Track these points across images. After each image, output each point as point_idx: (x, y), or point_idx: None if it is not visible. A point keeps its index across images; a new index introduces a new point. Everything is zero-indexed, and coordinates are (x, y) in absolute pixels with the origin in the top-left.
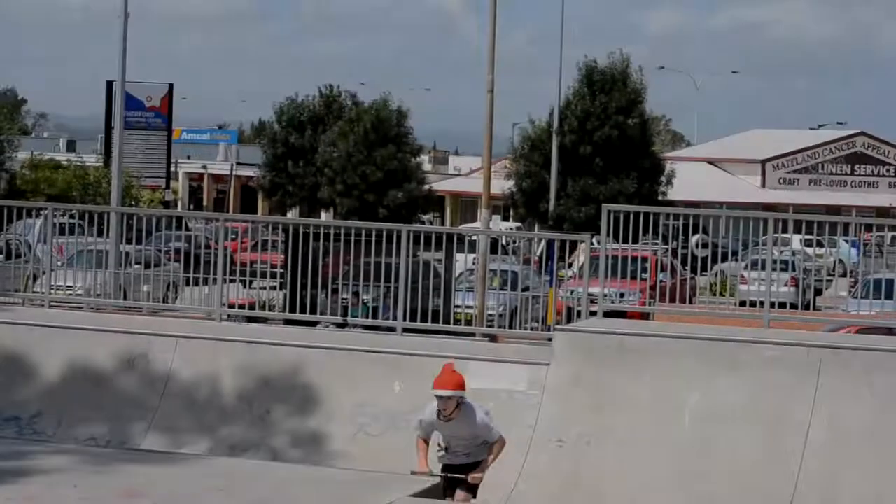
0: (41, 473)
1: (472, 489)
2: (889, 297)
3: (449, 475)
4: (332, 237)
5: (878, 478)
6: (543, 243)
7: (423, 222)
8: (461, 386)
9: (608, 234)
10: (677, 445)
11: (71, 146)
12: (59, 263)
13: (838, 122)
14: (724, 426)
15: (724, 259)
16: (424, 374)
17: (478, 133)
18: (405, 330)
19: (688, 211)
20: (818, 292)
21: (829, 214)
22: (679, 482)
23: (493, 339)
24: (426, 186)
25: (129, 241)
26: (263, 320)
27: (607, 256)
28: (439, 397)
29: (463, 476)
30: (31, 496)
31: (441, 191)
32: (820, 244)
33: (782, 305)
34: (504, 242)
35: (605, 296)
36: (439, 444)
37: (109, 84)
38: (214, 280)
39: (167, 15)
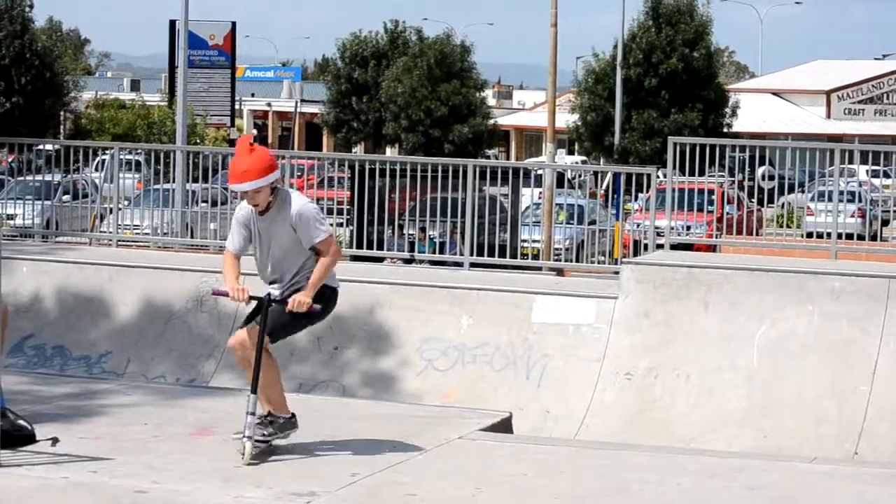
0: (111, 411)
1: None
2: None
3: (257, 297)
4: (397, 173)
5: None
6: (609, 176)
7: (488, 157)
8: (268, 168)
9: (674, 167)
10: (745, 378)
11: (135, 86)
12: (127, 202)
13: None
14: (792, 358)
15: (791, 191)
16: (491, 309)
17: (542, 67)
18: (472, 265)
19: (753, 143)
20: (885, 223)
21: (895, 145)
22: (747, 415)
23: (559, 272)
24: (491, 121)
25: (195, 180)
26: None
27: (673, 189)
28: (241, 193)
29: (279, 298)
30: (101, 435)
31: (506, 125)
32: (887, 175)
33: (849, 237)
34: (570, 176)
35: (672, 228)
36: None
37: (172, 23)
38: None
39: None
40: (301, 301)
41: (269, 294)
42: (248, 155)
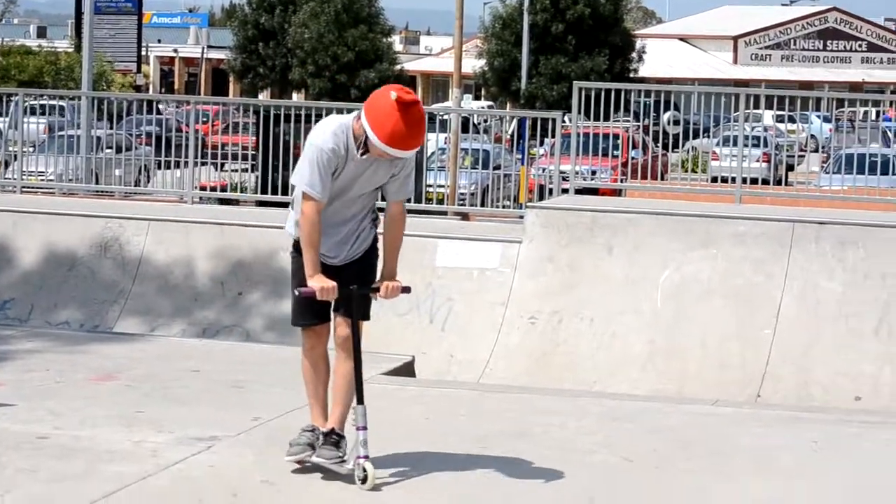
0: (13, 358)
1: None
2: (861, 171)
3: (358, 290)
4: (303, 118)
5: (849, 351)
6: (515, 122)
7: None
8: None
9: (579, 112)
10: (649, 322)
11: (41, 32)
12: (32, 149)
13: None
14: (695, 302)
15: (696, 135)
16: None
17: (449, 13)
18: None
19: (659, 87)
20: (790, 168)
21: (801, 90)
22: (651, 358)
23: (464, 217)
24: (398, 67)
25: (100, 126)
26: (235, 202)
27: (579, 134)
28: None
29: (375, 288)
30: (3, 381)
31: (412, 71)
32: (792, 120)
33: (754, 181)
34: (476, 121)
35: (577, 173)
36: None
37: None
38: (186, 163)
39: None
40: (394, 287)
41: (355, 287)
42: (416, 117)
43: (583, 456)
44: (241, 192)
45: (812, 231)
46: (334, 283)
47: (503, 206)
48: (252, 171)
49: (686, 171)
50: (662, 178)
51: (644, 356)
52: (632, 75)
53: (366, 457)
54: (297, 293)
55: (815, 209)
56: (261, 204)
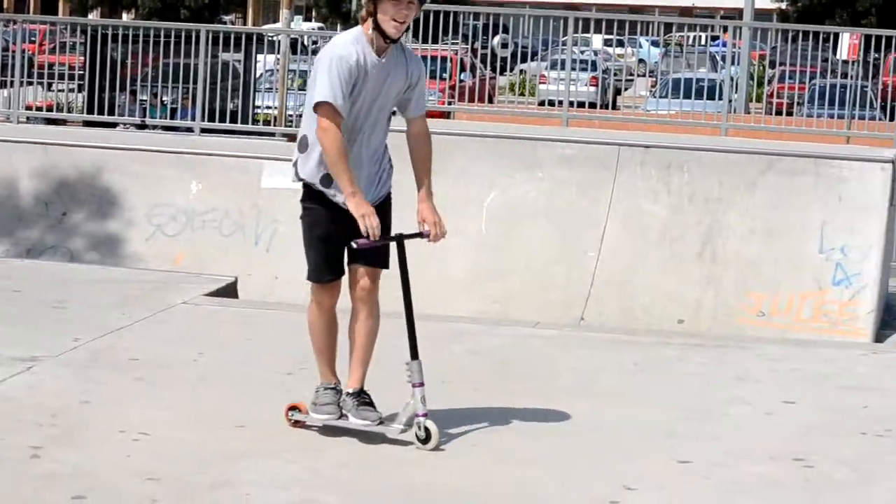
0: None
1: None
2: (688, 96)
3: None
4: (131, 39)
5: (673, 274)
6: None
7: (224, 23)
8: None
9: (408, 34)
10: (475, 244)
11: None
12: None
13: None
14: (521, 224)
15: (526, 59)
16: (221, 175)
17: None
18: (203, 130)
19: (489, 10)
20: (618, 92)
21: (631, 14)
22: (476, 281)
23: (292, 139)
24: None
25: None
26: (62, 122)
27: None
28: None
29: (423, 232)
30: None
31: None
32: (621, 44)
33: (582, 105)
34: (305, 42)
35: None
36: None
37: None
38: (12, 83)
39: None
40: (443, 227)
41: (401, 233)
42: None
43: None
44: (69, 112)
45: (637, 155)
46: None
47: None
48: (80, 90)
49: (515, 94)
50: (491, 101)
51: (470, 279)
52: None
53: (425, 415)
54: (354, 245)
55: (642, 133)
56: (88, 124)
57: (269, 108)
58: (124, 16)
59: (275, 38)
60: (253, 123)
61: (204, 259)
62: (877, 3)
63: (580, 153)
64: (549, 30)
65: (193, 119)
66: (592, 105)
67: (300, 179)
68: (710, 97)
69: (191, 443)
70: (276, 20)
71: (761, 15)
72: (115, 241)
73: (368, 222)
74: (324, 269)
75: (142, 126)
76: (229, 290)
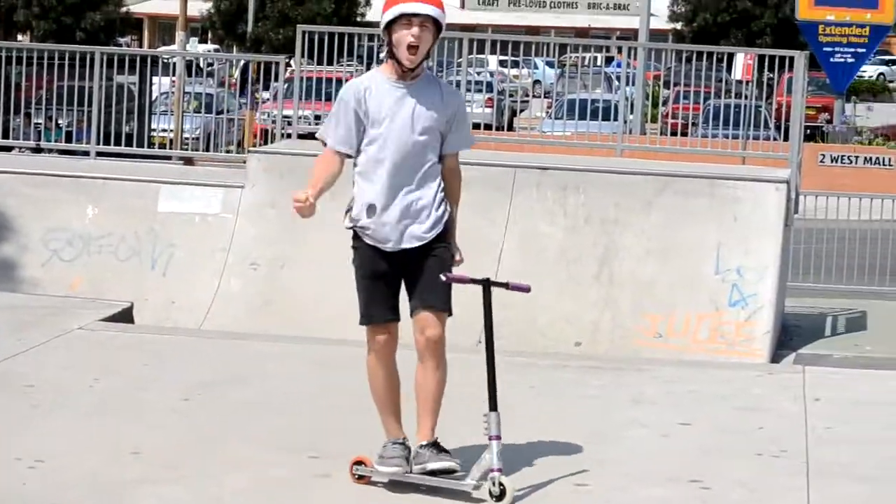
0: None
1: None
2: (583, 117)
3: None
4: (24, 61)
5: (570, 296)
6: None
7: (120, 45)
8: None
9: (304, 56)
10: None
11: None
12: None
13: None
14: None
15: None
16: (117, 199)
17: None
18: (99, 154)
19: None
20: (514, 113)
21: (527, 35)
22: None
23: (188, 162)
24: (123, 9)
25: None
26: None
27: (302, 78)
28: (412, 15)
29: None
30: None
31: (139, 13)
32: (517, 65)
33: (478, 126)
34: (201, 65)
35: (301, 118)
36: (353, 204)
37: None
38: None
39: None
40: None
41: (488, 278)
42: None
43: (303, 402)
44: None
45: (534, 177)
46: (311, 200)
47: (228, 151)
48: None
49: None
50: None
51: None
52: (359, 20)
53: (499, 470)
54: (443, 278)
55: (538, 155)
56: None
57: (164, 130)
58: (19, 38)
59: (170, 61)
60: (149, 146)
61: (100, 284)
62: (771, 24)
63: (476, 175)
64: (444, 51)
65: (89, 142)
66: (488, 126)
67: (351, 222)
68: (606, 118)
69: (87, 470)
70: (171, 42)
71: (657, 35)
72: (10, 265)
73: (303, 210)
74: (372, 309)
75: (37, 149)
76: (125, 316)
